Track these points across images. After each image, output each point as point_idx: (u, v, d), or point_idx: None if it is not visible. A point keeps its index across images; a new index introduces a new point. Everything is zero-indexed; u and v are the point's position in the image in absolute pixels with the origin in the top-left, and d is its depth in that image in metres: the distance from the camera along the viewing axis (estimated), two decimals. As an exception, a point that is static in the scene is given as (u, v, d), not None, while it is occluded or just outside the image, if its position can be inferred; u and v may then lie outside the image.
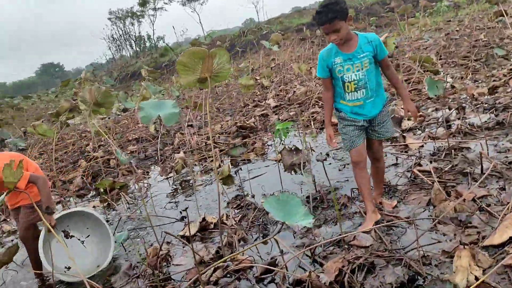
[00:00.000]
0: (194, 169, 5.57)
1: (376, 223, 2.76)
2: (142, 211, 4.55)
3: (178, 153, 5.99)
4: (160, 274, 2.90)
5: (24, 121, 17.43)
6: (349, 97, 2.71)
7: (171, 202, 4.65)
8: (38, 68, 78.68)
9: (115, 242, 3.47)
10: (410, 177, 3.48)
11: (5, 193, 2.88)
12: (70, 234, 3.45)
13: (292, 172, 4.20)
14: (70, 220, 3.49)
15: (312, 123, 6.23)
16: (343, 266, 2.38)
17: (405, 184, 3.41)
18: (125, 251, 3.60)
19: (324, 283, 2.22)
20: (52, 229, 2.73)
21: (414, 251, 2.41)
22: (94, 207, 5.11)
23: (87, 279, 2.36)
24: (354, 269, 2.39)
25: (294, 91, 8.34)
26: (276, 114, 7.61)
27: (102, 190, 5.35)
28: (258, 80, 11.55)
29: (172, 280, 2.87)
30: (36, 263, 3.35)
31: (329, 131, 2.86)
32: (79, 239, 3.51)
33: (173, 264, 3.08)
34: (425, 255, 2.37)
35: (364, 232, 2.71)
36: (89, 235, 3.55)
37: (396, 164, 3.91)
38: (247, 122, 7.14)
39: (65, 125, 7.80)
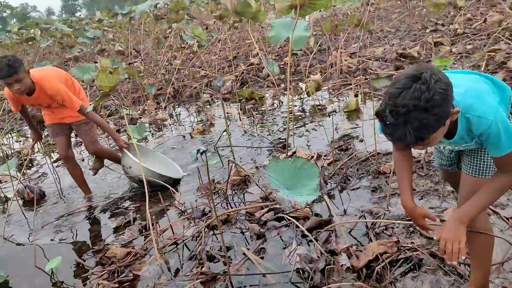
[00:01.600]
0: (325, 96, 5.31)
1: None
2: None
3: (319, 73, 5.73)
4: (232, 195, 3.03)
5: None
6: None
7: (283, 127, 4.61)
8: None
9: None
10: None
11: (100, 97, 3.11)
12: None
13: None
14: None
15: (484, 63, 5.09)
16: (384, 253, 2.07)
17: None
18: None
19: (342, 265, 1.97)
20: (132, 144, 3.13)
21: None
22: (227, 113, 5.44)
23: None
24: (398, 260, 2.05)
25: (485, 19, 6.82)
26: (453, 44, 6.46)
27: (243, 97, 5.64)
28: (453, -1, 9.76)
29: (235, 205, 2.96)
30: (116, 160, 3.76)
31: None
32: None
33: (247, 191, 3.15)
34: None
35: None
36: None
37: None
38: (410, 50, 6.27)
39: (233, 27, 8.16)
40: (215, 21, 9.40)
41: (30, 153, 3.29)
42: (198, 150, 3.99)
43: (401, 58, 6.20)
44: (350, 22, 7.18)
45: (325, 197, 2.50)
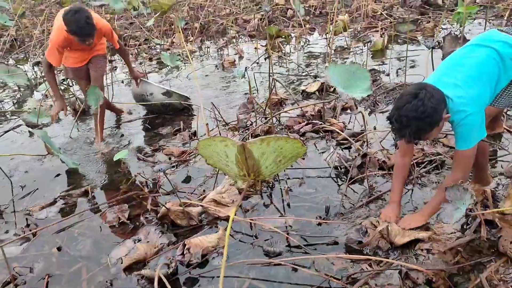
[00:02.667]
0: (350, 36, 5.52)
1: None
2: (288, 62, 4.90)
3: (346, 14, 5.91)
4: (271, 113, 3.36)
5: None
6: None
7: (313, 62, 4.87)
8: None
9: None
10: None
11: (156, 14, 3.32)
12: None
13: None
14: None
15: (508, 13, 5.26)
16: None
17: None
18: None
19: (377, 159, 2.34)
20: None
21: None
22: (255, 48, 5.68)
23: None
24: (423, 162, 2.41)
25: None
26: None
27: (269, 34, 5.83)
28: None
29: (277, 122, 3.29)
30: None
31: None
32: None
33: (284, 111, 3.48)
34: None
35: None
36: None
37: None
38: (436, -2, 6.39)
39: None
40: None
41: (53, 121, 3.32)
42: (246, 68, 4.18)
43: (425, 6, 6.34)
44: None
45: (362, 110, 2.83)
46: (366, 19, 6.21)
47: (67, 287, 1.89)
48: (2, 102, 4.71)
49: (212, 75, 4.86)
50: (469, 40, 2.08)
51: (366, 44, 5.20)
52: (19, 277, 1.97)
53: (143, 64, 5.59)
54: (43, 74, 3.19)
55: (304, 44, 5.68)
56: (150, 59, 5.82)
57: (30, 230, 2.28)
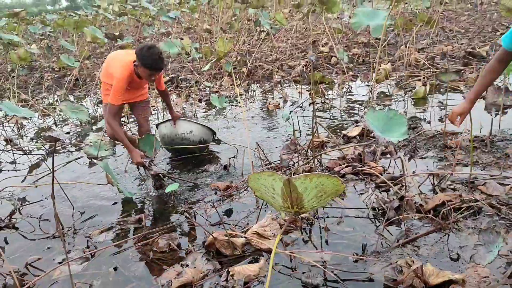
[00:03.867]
0: (392, 84, 5.68)
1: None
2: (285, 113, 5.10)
3: (389, 63, 6.10)
4: (313, 154, 3.53)
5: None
6: None
7: (355, 108, 5.04)
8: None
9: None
10: None
11: (214, 60, 3.76)
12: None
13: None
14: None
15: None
16: (449, 201, 2.50)
17: None
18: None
19: (414, 203, 2.43)
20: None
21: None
22: (299, 92, 5.95)
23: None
24: (460, 208, 2.48)
25: (560, 25, 6.86)
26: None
27: (312, 80, 6.11)
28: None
29: (318, 163, 3.46)
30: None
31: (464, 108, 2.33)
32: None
33: (324, 153, 3.64)
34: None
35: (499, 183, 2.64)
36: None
37: None
38: (479, 50, 6.48)
39: (307, 15, 8.62)
40: (290, 10, 9.88)
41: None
42: (290, 111, 4.37)
43: (469, 57, 6.43)
44: (420, 20, 7.46)
45: (401, 155, 2.95)
46: (409, 68, 6.37)
47: (121, 303, 2.08)
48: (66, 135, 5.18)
49: (258, 117, 5.13)
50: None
51: (407, 92, 5.33)
52: (80, 291, 2.19)
53: (192, 104, 5.97)
54: (107, 121, 3.38)
55: (347, 90, 5.89)
56: (200, 100, 6.20)
57: (90, 251, 2.52)
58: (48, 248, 2.65)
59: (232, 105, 5.93)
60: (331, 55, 7.55)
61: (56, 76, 9.26)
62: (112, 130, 3.38)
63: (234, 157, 3.70)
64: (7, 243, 2.79)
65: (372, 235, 2.39)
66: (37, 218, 3.05)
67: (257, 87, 6.82)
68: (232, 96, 6.35)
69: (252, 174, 1.53)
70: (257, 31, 9.06)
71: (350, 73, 6.57)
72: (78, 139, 5.00)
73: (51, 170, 3.00)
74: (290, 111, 4.37)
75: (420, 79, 5.61)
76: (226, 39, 3.31)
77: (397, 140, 2.14)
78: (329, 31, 8.39)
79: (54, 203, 1.91)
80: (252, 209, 2.84)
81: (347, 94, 5.74)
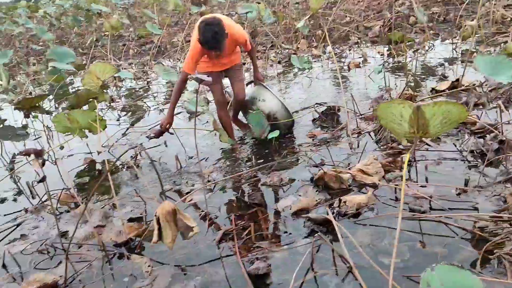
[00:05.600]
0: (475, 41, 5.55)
1: None
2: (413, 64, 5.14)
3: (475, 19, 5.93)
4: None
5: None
6: None
7: (441, 64, 5.03)
8: None
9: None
10: None
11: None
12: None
13: None
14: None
15: None
16: None
17: None
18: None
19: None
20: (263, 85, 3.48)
21: None
22: (378, 52, 5.99)
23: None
24: None
25: None
26: None
27: (392, 40, 6.11)
28: None
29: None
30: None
31: None
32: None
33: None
34: None
35: None
36: None
37: None
38: None
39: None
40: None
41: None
42: (383, 64, 4.33)
43: None
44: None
45: (500, 102, 3.03)
46: (495, 24, 6.15)
47: (247, 222, 2.44)
48: (158, 94, 5.68)
49: (347, 75, 5.28)
50: None
51: (494, 49, 5.21)
52: (211, 214, 2.59)
53: (273, 66, 6.23)
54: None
55: (429, 48, 5.85)
56: (279, 62, 6.44)
57: (212, 183, 2.92)
58: (174, 182, 3.09)
59: (311, 66, 6.10)
60: (410, 15, 7.40)
61: (136, 44, 9.88)
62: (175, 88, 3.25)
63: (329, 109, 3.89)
64: (137, 177, 3.27)
65: (472, 174, 2.55)
66: (155, 161, 3.49)
67: (333, 48, 6.92)
68: (311, 57, 6.52)
69: (382, 103, 1.76)
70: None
71: (431, 32, 6.46)
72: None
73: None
74: (383, 64, 4.47)
75: (508, 35, 5.43)
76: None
77: (507, 81, 2.26)
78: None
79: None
80: (350, 152, 3.09)
81: (430, 52, 5.70)
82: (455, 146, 2.94)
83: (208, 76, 3.05)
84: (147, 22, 8.55)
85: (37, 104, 4.40)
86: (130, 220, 2.61)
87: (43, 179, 2.78)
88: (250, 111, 3.45)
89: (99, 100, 3.34)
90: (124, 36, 10.22)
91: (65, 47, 4.49)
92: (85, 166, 3.58)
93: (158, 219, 1.64)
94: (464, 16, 6.86)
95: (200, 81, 2.27)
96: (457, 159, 2.76)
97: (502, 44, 5.25)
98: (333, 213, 2.32)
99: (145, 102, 5.41)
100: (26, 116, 4.78)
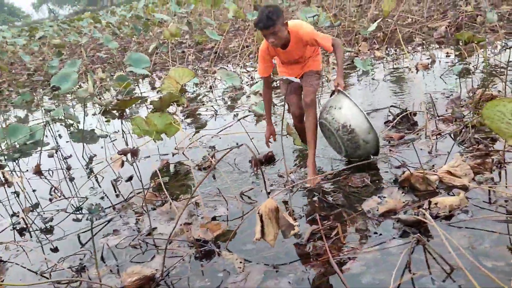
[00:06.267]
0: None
1: None
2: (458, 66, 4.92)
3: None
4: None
5: None
6: None
7: None
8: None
9: None
10: None
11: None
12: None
13: None
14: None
15: None
16: None
17: None
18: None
19: None
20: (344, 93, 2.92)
21: None
22: (447, 53, 5.80)
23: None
24: None
25: None
26: None
27: (461, 41, 5.89)
28: None
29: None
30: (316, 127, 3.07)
31: None
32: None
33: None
34: None
35: None
36: None
37: None
38: None
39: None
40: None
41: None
42: (462, 66, 4.08)
43: None
44: None
45: None
46: None
47: (334, 222, 2.43)
48: (221, 97, 5.81)
49: (413, 76, 5.16)
50: None
51: None
52: (295, 214, 2.60)
53: (334, 69, 6.19)
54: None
55: (502, 48, 5.58)
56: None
57: (290, 185, 2.94)
58: (252, 182, 3.15)
59: (374, 68, 6.01)
60: (477, 14, 7.12)
61: (194, 50, 10.15)
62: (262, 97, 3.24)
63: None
64: (214, 178, 3.36)
65: None
66: (230, 164, 3.57)
67: (396, 50, 6.78)
68: (372, 59, 6.42)
69: (489, 102, 1.71)
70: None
71: (503, 31, 6.17)
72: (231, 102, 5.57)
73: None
74: (462, 66, 4.34)
75: None
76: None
77: None
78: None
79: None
80: (432, 155, 3.00)
81: (503, 52, 5.44)
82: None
83: (284, 85, 3.17)
84: (206, 28, 8.80)
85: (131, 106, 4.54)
86: (214, 218, 2.69)
87: (130, 178, 2.92)
88: (322, 120, 2.99)
89: (179, 104, 3.46)
90: (183, 43, 10.53)
91: (140, 53, 4.71)
92: (162, 167, 3.72)
93: (261, 216, 1.68)
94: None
95: (289, 82, 2.30)
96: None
97: None
98: (424, 214, 2.27)
99: (212, 106, 5.54)
100: (120, 117, 4.82)
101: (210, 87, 6.68)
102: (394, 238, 2.18)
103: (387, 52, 6.75)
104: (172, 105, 3.93)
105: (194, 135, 4.56)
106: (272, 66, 3.12)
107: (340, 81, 2.95)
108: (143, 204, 2.98)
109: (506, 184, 2.48)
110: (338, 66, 2.97)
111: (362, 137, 2.81)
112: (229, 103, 5.62)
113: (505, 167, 2.65)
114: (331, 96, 3.06)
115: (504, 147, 2.76)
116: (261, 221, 1.69)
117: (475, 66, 4.96)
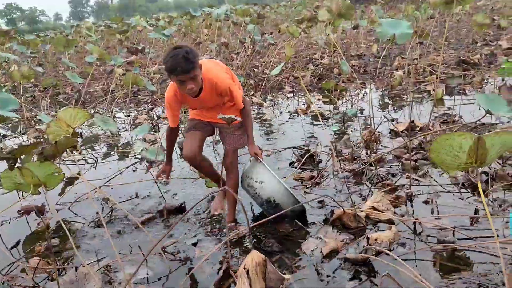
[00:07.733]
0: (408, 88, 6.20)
1: None
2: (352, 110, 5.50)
3: (399, 70, 6.64)
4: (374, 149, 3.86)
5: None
6: None
7: (383, 108, 5.47)
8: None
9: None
10: None
11: None
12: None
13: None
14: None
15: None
16: None
17: None
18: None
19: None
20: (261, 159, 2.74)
21: None
22: (319, 99, 6.32)
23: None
24: None
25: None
26: (506, 56, 7.38)
27: (326, 90, 6.51)
28: (496, 20, 10.75)
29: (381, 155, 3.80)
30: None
31: None
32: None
33: (381, 145, 3.99)
34: None
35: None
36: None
37: None
38: (471, 58, 7.18)
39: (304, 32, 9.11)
40: (287, 25, 10.34)
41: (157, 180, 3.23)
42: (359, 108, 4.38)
43: (464, 64, 7.10)
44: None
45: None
46: (411, 75, 6.94)
47: (280, 270, 2.27)
48: (103, 146, 5.24)
49: (298, 120, 5.41)
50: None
51: (422, 95, 5.84)
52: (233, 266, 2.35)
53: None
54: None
55: (363, 96, 6.34)
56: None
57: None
58: (171, 235, 2.79)
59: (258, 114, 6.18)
60: (331, 67, 8.02)
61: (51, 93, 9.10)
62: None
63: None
64: (120, 234, 2.88)
65: (472, 203, 2.73)
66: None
67: (271, 97, 7.14)
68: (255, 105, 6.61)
69: (440, 136, 1.82)
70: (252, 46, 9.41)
71: (359, 81, 7.04)
72: (120, 148, 5.07)
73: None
74: (358, 108, 4.67)
75: (428, 84, 6.16)
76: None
77: (506, 116, 2.51)
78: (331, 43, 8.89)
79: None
80: (345, 193, 3.11)
81: (364, 99, 6.17)
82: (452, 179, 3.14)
83: (193, 122, 2.83)
84: (66, 71, 8.02)
85: None
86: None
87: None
88: (245, 188, 2.84)
89: (76, 150, 2.94)
90: (38, 85, 9.34)
91: (7, 93, 3.93)
92: (46, 226, 3.06)
93: (247, 271, 1.44)
94: (383, 68, 7.64)
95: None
96: (450, 192, 2.95)
97: (426, 91, 5.92)
98: (366, 251, 2.28)
99: (91, 153, 4.92)
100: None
101: (81, 134, 5.97)
102: (351, 279, 2.12)
103: (264, 98, 7.05)
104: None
105: (72, 186, 3.93)
106: (179, 115, 2.73)
107: (256, 150, 2.76)
108: (33, 276, 2.37)
109: (417, 215, 2.69)
110: (248, 128, 2.75)
111: (287, 208, 2.64)
112: (107, 150, 5.07)
113: (413, 199, 2.89)
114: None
115: (410, 181, 3.03)
116: (248, 277, 1.44)
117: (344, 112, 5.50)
